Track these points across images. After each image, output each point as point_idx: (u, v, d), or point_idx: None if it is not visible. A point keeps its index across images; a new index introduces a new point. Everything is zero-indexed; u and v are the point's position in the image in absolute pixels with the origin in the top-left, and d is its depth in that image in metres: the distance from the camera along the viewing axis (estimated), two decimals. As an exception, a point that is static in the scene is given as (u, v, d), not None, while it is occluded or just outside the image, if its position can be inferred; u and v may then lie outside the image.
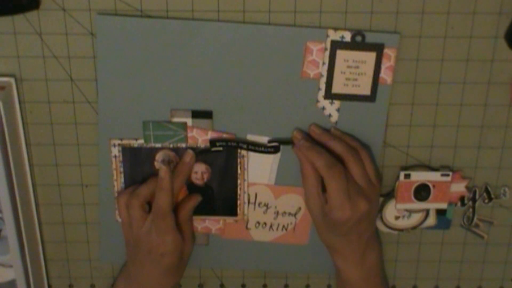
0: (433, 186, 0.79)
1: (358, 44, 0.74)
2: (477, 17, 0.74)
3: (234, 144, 0.78)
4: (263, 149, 0.78)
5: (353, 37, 0.74)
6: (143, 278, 0.80)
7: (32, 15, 0.73)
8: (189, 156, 0.79)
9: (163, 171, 0.75)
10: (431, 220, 0.83)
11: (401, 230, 0.84)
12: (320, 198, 0.76)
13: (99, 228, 0.84)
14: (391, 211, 0.83)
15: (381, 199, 0.82)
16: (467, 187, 0.82)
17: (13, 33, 0.74)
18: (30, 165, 0.81)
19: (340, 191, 0.73)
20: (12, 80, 0.76)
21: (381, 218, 0.83)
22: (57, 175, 0.82)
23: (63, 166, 0.81)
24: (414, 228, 0.83)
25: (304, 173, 0.76)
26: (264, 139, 0.79)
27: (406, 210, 0.82)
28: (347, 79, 0.75)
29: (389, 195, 0.82)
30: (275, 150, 0.79)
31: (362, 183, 0.75)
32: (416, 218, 0.83)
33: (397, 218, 0.83)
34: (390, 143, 0.80)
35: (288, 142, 0.78)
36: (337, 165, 0.74)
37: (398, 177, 0.80)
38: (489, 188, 0.82)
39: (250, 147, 0.78)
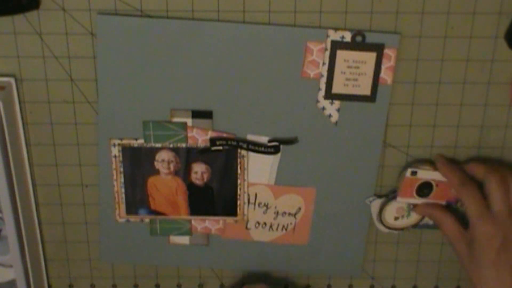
0: (437, 185, 0.79)
1: (358, 44, 0.74)
2: (477, 17, 0.74)
3: (234, 143, 0.78)
4: (263, 149, 0.78)
5: (353, 37, 0.74)
6: None
7: (32, 15, 0.73)
8: None
9: None
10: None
11: (401, 229, 0.84)
12: (462, 234, 0.76)
13: (99, 228, 0.84)
14: (390, 212, 0.83)
15: (380, 200, 0.82)
16: None
17: (13, 33, 0.74)
18: (30, 165, 0.81)
19: (478, 204, 0.74)
20: (12, 80, 0.76)
21: (381, 220, 0.83)
22: (57, 175, 0.82)
23: (63, 166, 0.81)
24: (414, 226, 0.83)
25: (440, 220, 0.78)
26: (264, 139, 0.79)
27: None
28: (347, 79, 0.75)
29: (388, 196, 0.82)
30: (275, 150, 0.79)
31: (502, 207, 0.74)
32: (415, 216, 0.83)
33: (396, 218, 0.83)
34: (390, 143, 0.80)
35: (288, 142, 0.78)
36: (472, 183, 0.75)
37: (403, 172, 0.80)
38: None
39: (250, 146, 0.78)
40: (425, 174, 0.79)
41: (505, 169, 0.76)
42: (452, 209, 0.80)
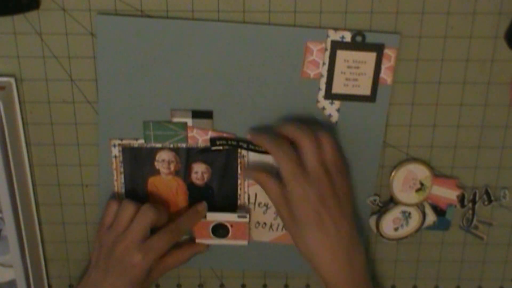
0: (231, 225, 0.81)
1: (358, 44, 0.74)
2: (477, 17, 0.74)
3: (234, 143, 0.78)
4: (263, 148, 0.78)
5: (353, 37, 0.74)
6: (105, 287, 0.77)
7: (32, 15, 0.73)
8: (202, 206, 0.81)
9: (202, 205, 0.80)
10: (431, 217, 0.83)
11: (405, 237, 0.84)
12: (286, 199, 0.73)
13: (99, 228, 0.84)
14: (387, 224, 0.83)
15: (374, 216, 0.82)
16: (458, 197, 0.82)
17: (13, 33, 0.74)
18: (30, 165, 0.81)
19: (291, 163, 0.71)
20: (12, 80, 0.76)
21: (381, 234, 0.83)
22: (57, 175, 0.82)
23: (63, 166, 0.81)
24: (417, 231, 0.83)
25: (265, 185, 0.75)
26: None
27: None
28: (347, 79, 0.75)
29: (380, 212, 0.82)
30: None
31: (316, 165, 0.72)
32: (414, 222, 0.83)
33: (396, 229, 0.83)
34: (390, 143, 0.80)
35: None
36: (284, 142, 0.73)
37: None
38: (489, 190, 0.82)
39: (250, 146, 0.78)
40: (218, 216, 0.81)
41: (317, 127, 0.74)
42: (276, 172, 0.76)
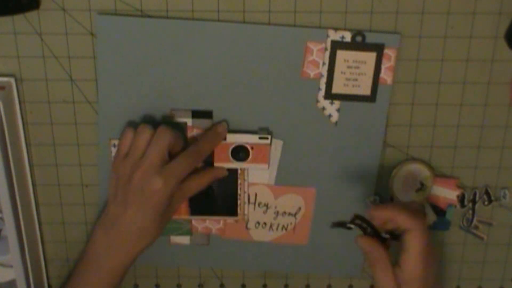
0: (252, 148, 0.78)
1: (358, 44, 0.74)
2: (477, 17, 0.74)
3: (369, 230, 0.74)
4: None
5: (353, 37, 0.74)
6: (126, 220, 0.74)
7: (32, 15, 0.73)
8: (222, 127, 0.77)
9: (222, 126, 0.76)
10: (431, 217, 0.83)
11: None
12: (394, 275, 0.71)
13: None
14: None
15: None
16: (458, 197, 0.82)
17: (13, 33, 0.74)
18: (30, 165, 0.81)
19: (421, 246, 0.69)
20: (12, 80, 0.76)
21: None
22: (57, 175, 0.82)
23: (63, 166, 0.81)
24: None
25: (374, 257, 0.72)
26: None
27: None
28: (347, 79, 0.75)
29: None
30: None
31: None
32: None
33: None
34: (390, 143, 0.80)
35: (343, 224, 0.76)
36: (421, 213, 0.72)
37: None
38: (489, 190, 0.82)
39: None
40: (238, 137, 0.78)
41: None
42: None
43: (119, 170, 0.74)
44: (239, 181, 0.81)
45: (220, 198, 0.81)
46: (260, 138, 0.78)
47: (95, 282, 0.77)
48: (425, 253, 0.69)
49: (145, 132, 0.73)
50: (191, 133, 0.78)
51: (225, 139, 0.77)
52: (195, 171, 0.76)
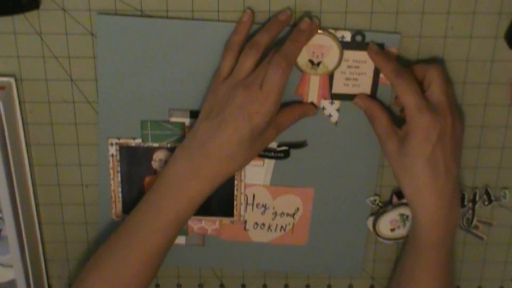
0: None
1: (358, 44, 0.74)
2: (477, 17, 0.74)
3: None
4: (273, 154, 0.78)
5: (353, 37, 0.74)
6: (218, 140, 0.70)
7: (32, 15, 0.73)
8: (305, 23, 0.72)
9: (305, 22, 0.71)
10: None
11: (401, 238, 0.84)
12: (395, 133, 0.72)
13: (99, 228, 0.84)
14: (385, 225, 0.83)
15: (372, 217, 0.83)
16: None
17: (13, 33, 0.74)
18: (30, 165, 0.81)
19: (416, 94, 0.69)
20: (12, 80, 0.76)
21: (377, 233, 0.83)
22: (57, 175, 0.82)
23: (63, 166, 0.81)
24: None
25: (374, 115, 0.73)
26: (273, 144, 0.78)
27: None
28: (347, 79, 0.75)
29: (378, 213, 0.82)
30: (285, 155, 0.79)
31: (442, 98, 0.70)
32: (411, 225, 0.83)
33: (392, 230, 0.83)
34: (390, 143, 0.80)
35: (297, 146, 0.78)
36: (408, 73, 0.71)
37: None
38: (489, 190, 0.82)
39: (260, 152, 0.77)
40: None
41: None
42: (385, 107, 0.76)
43: (219, 91, 0.71)
44: (235, 182, 0.81)
45: (217, 198, 0.81)
46: None
47: (168, 213, 0.72)
48: (419, 99, 0.69)
49: (251, 55, 0.71)
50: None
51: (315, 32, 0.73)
52: (286, 105, 0.74)
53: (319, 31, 0.73)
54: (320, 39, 0.74)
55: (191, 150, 0.71)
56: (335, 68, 0.75)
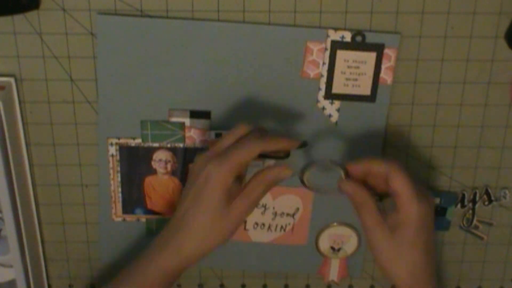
0: None
1: (358, 44, 0.74)
2: (477, 17, 0.74)
3: None
4: (273, 154, 0.78)
5: (353, 37, 0.74)
6: (180, 211, 0.70)
7: (32, 15, 0.73)
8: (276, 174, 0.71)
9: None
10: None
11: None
12: (385, 222, 0.70)
13: (99, 228, 0.84)
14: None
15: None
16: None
17: (13, 33, 0.74)
18: (30, 165, 0.81)
19: (408, 181, 0.68)
20: (12, 80, 0.76)
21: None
22: (57, 175, 0.82)
23: (63, 166, 0.81)
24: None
25: (362, 202, 0.70)
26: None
27: None
28: (347, 79, 0.75)
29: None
30: (285, 155, 0.78)
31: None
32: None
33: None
34: (390, 143, 0.80)
35: (299, 146, 0.78)
36: (396, 160, 0.70)
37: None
38: (489, 190, 0.82)
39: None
40: None
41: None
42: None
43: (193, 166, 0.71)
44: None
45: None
46: None
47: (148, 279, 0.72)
48: (414, 188, 0.68)
49: (235, 131, 0.70)
50: (189, 133, 0.78)
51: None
52: (256, 173, 0.71)
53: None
54: (342, 230, 0.84)
55: (165, 225, 0.72)
56: (355, 251, 0.85)
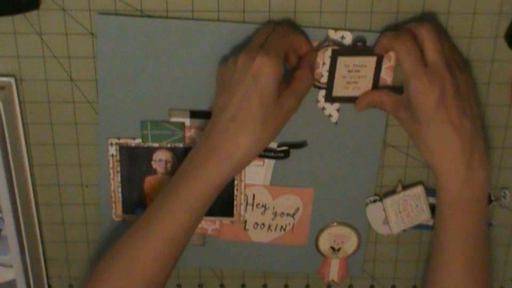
0: None
1: (359, 49, 0.73)
2: (477, 17, 0.74)
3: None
4: (272, 154, 0.78)
5: (354, 44, 0.73)
6: (228, 113, 0.67)
7: (32, 15, 0.73)
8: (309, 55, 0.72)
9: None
10: (430, 217, 0.83)
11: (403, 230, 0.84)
12: (401, 101, 0.71)
13: (99, 228, 0.84)
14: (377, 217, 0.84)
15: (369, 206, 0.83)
16: None
17: (13, 33, 0.74)
18: (30, 165, 0.81)
19: (412, 57, 0.68)
20: (12, 80, 0.76)
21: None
22: (57, 175, 0.82)
23: (63, 166, 0.81)
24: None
25: (376, 102, 0.73)
26: (273, 144, 0.78)
27: None
28: (348, 82, 0.75)
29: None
30: (285, 155, 0.79)
31: (437, 59, 0.68)
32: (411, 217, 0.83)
33: (384, 223, 0.84)
34: (390, 143, 0.80)
35: (297, 146, 0.78)
36: (407, 35, 0.69)
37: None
38: (489, 190, 0.82)
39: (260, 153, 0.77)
40: None
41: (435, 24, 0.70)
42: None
43: (226, 65, 0.70)
44: (235, 182, 0.81)
45: (217, 198, 0.81)
46: None
47: (186, 198, 0.69)
48: (413, 63, 0.68)
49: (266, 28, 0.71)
50: (189, 133, 0.78)
51: None
52: (294, 71, 0.71)
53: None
54: (342, 230, 0.84)
55: (208, 132, 0.69)
56: (355, 251, 0.85)
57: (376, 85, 0.75)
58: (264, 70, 0.66)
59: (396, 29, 0.72)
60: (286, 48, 0.69)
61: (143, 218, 0.71)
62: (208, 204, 0.71)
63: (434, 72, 0.68)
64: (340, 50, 0.73)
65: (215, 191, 0.70)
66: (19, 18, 0.74)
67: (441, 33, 0.70)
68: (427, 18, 0.73)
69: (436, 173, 0.71)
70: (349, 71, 0.74)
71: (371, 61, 0.74)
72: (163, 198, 0.71)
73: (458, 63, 0.71)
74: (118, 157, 0.79)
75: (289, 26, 0.72)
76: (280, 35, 0.70)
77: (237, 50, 0.73)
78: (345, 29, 0.74)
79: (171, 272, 0.73)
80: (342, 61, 0.74)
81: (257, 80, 0.66)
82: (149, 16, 0.74)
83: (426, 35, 0.68)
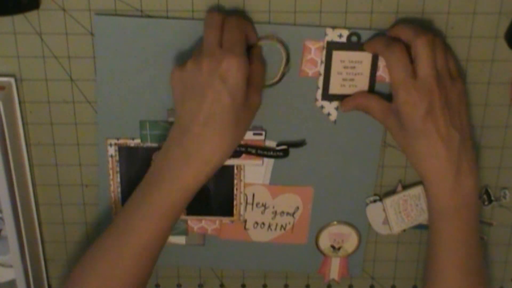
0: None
1: (354, 44, 0.74)
2: (477, 17, 0.74)
3: (242, 149, 0.78)
4: (272, 153, 0.78)
5: (348, 38, 0.73)
6: (200, 119, 0.67)
7: (32, 15, 0.73)
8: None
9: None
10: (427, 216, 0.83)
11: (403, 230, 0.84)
12: (389, 107, 0.71)
13: (99, 228, 0.84)
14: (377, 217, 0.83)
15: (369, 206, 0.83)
16: None
17: (13, 33, 0.74)
18: (30, 165, 0.81)
19: (402, 68, 0.68)
20: (12, 80, 0.76)
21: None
22: (57, 175, 0.82)
23: (63, 166, 0.81)
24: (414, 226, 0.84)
25: (364, 106, 0.74)
26: (272, 143, 0.78)
27: None
28: (344, 79, 0.75)
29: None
30: (284, 154, 0.79)
31: (428, 71, 0.68)
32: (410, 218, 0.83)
33: (384, 223, 0.84)
34: (390, 143, 0.80)
35: (296, 145, 0.78)
36: (398, 44, 0.69)
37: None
38: (489, 190, 0.82)
39: (259, 151, 0.77)
40: None
41: (433, 33, 0.70)
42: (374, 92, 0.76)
43: (184, 71, 0.68)
44: (235, 181, 0.81)
45: (216, 198, 0.81)
46: (254, 134, 0.78)
47: (162, 204, 0.70)
48: (399, 74, 0.68)
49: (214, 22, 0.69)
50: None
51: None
52: (253, 64, 0.70)
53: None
54: (342, 228, 0.84)
55: (178, 139, 0.69)
56: (355, 250, 0.85)
57: (373, 83, 0.75)
58: (233, 71, 0.66)
59: (396, 25, 0.73)
60: (243, 41, 0.69)
61: (120, 222, 0.72)
62: (184, 207, 0.71)
63: (423, 85, 0.68)
64: (335, 43, 0.73)
65: (192, 195, 0.71)
66: (19, 18, 0.74)
67: (436, 43, 0.70)
68: (426, 22, 0.73)
69: (424, 181, 0.72)
70: (345, 67, 0.74)
71: (366, 57, 0.74)
72: (137, 204, 0.71)
73: (451, 73, 0.71)
74: (117, 158, 0.79)
75: (239, 16, 0.71)
76: (236, 28, 0.69)
77: (189, 51, 0.73)
78: (342, 27, 0.74)
79: (152, 271, 0.74)
80: (337, 55, 0.74)
81: (227, 82, 0.66)
82: (149, 16, 0.74)
83: (420, 48, 0.68)
